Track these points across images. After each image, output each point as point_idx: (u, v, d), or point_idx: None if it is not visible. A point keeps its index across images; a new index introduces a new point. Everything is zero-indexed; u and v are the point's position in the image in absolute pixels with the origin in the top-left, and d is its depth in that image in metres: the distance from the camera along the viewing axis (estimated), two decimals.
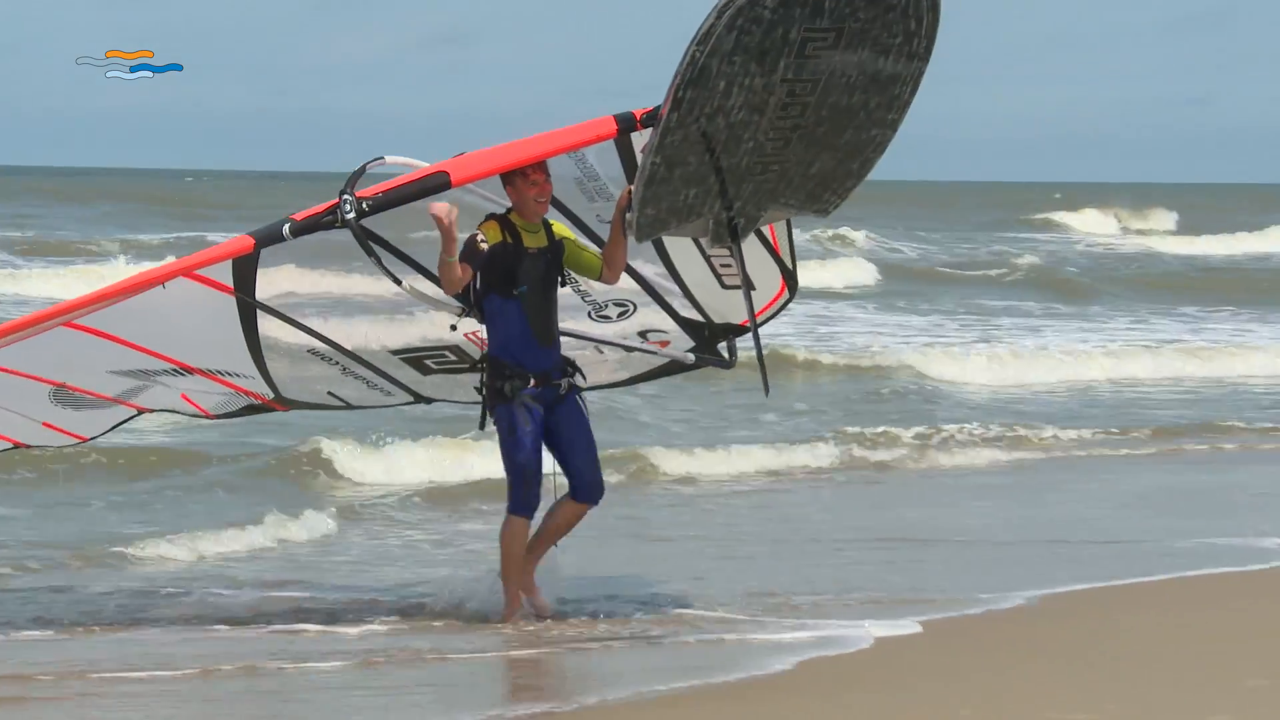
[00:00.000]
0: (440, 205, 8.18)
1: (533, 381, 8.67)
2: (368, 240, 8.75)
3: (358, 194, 8.53)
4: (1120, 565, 10.75)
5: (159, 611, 9.30)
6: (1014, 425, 18.76)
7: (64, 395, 9.87)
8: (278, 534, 11.80)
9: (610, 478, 10.74)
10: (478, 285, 8.70)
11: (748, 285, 9.20)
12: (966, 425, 18.44)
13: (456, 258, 8.28)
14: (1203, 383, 24.31)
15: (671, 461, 15.26)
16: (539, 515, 8.86)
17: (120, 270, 32.23)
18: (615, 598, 9.48)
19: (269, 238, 8.77)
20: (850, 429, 17.73)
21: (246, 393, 10.20)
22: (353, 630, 8.51)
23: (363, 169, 8.87)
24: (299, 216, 8.70)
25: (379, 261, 8.91)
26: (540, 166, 8.68)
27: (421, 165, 8.96)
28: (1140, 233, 67.86)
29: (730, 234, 8.79)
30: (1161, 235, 66.32)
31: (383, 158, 9.18)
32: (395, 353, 10.08)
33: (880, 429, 17.81)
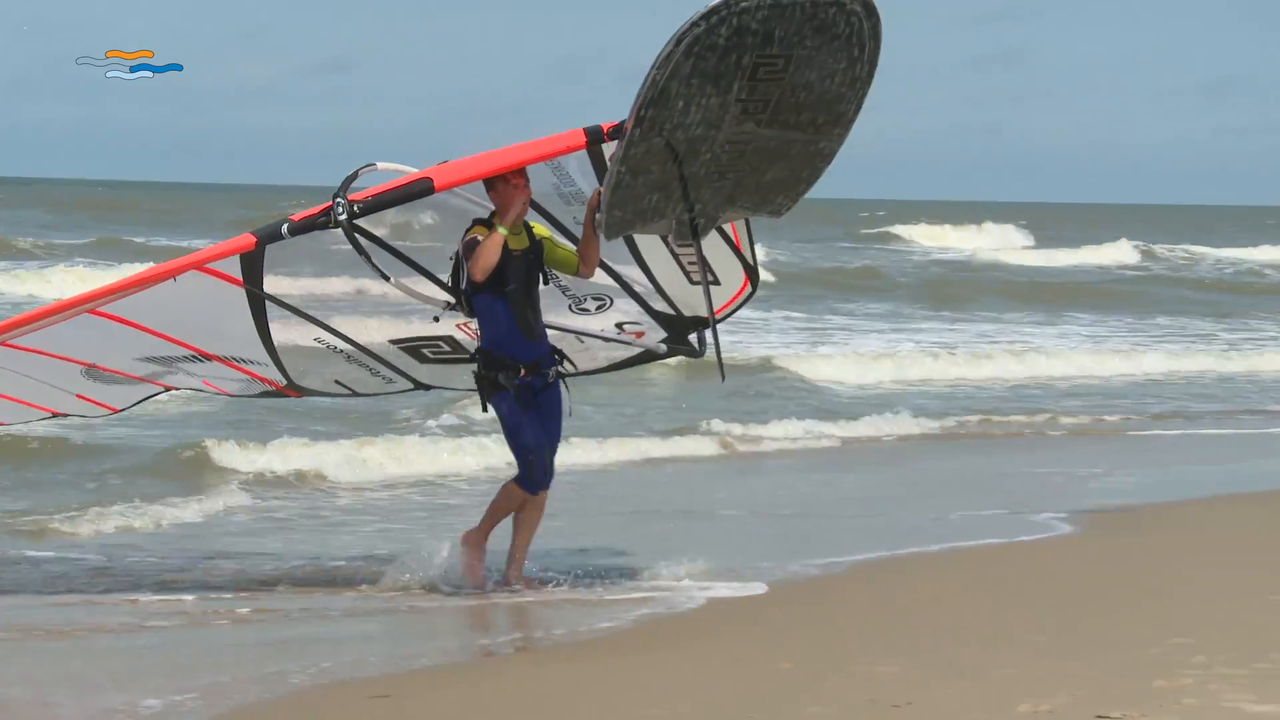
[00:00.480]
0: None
1: (523, 371, 9.67)
2: (358, 239, 9.77)
3: (349, 197, 9.46)
4: (920, 536, 12.04)
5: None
6: (844, 418, 20.50)
7: (95, 373, 10.87)
8: (158, 518, 12.94)
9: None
10: (464, 285, 9.64)
11: (706, 280, 10.19)
12: (814, 420, 20.03)
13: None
14: (1026, 380, 26.05)
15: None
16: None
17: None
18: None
19: (270, 235, 9.69)
20: (717, 422, 18.96)
21: (262, 379, 11.27)
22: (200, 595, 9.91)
23: (355, 174, 9.70)
24: (296, 217, 9.64)
25: (368, 259, 9.85)
26: (521, 173, 9.57)
27: (409, 171, 9.74)
28: (971, 246, 72.30)
29: (691, 233, 9.75)
30: (1005, 250, 70.17)
31: (374, 164, 9.89)
32: (394, 342, 11.17)
33: (748, 423, 19.25)
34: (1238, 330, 36.11)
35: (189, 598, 9.92)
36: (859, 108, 9.90)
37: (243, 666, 8.13)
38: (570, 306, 10.76)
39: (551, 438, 9.93)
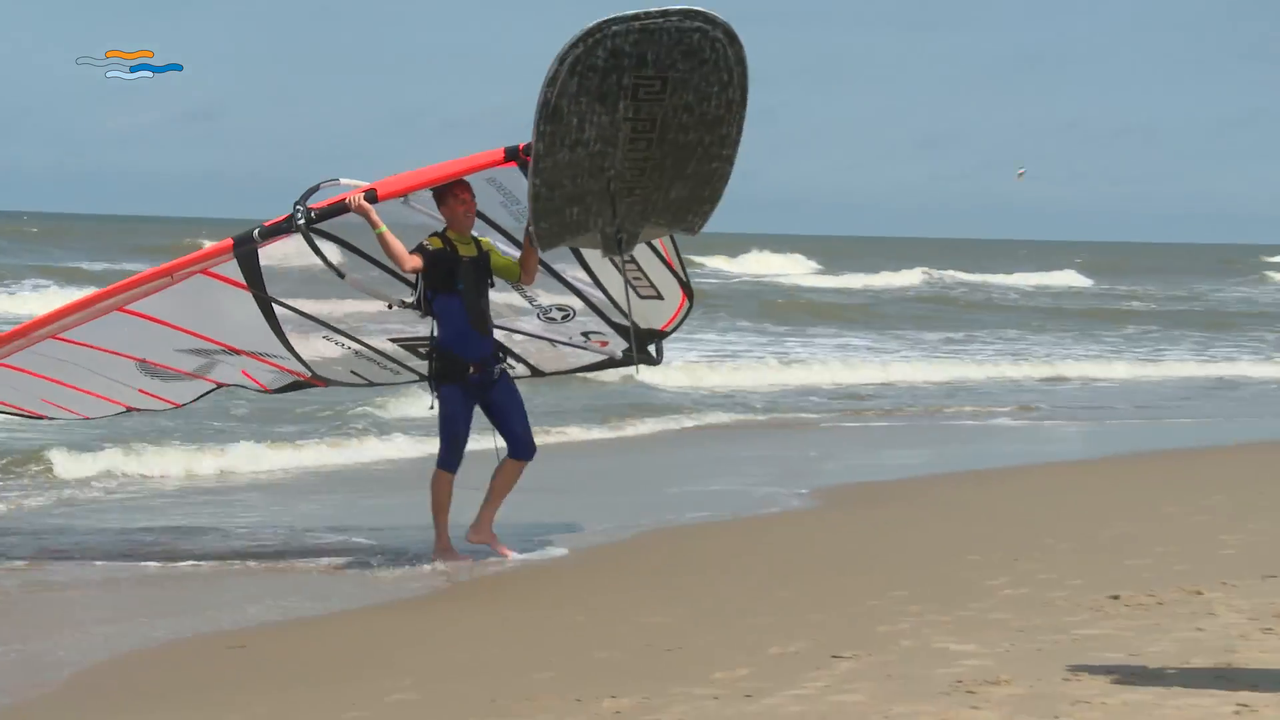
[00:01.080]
0: (351, 195, 10.15)
1: (472, 369, 10.58)
2: (315, 241, 10.58)
3: (310, 206, 10.42)
4: (696, 507, 12.90)
5: None
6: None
7: (148, 369, 11.78)
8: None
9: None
10: (428, 293, 10.46)
11: (628, 295, 11.22)
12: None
13: (385, 229, 10.12)
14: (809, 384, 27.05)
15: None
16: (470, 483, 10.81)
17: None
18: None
19: (244, 240, 10.61)
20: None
21: (289, 371, 12.14)
22: None
23: (316, 187, 10.63)
24: (267, 224, 10.51)
25: (323, 257, 10.68)
26: (466, 188, 10.55)
27: (362, 184, 10.57)
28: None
29: (616, 246, 10.57)
30: (799, 274, 72.53)
31: (337, 179, 10.74)
32: (394, 340, 12.11)
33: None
34: (980, 342, 37.60)
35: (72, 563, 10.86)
36: (739, 130, 10.56)
37: (116, 623, 9.05)
38: (537, 315, 11.83)
39: (514, 419, 10.90)
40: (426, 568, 10.64)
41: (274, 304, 11.23)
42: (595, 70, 9.90)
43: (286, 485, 15.43)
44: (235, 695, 7.14)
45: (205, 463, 16.00)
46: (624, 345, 12.29)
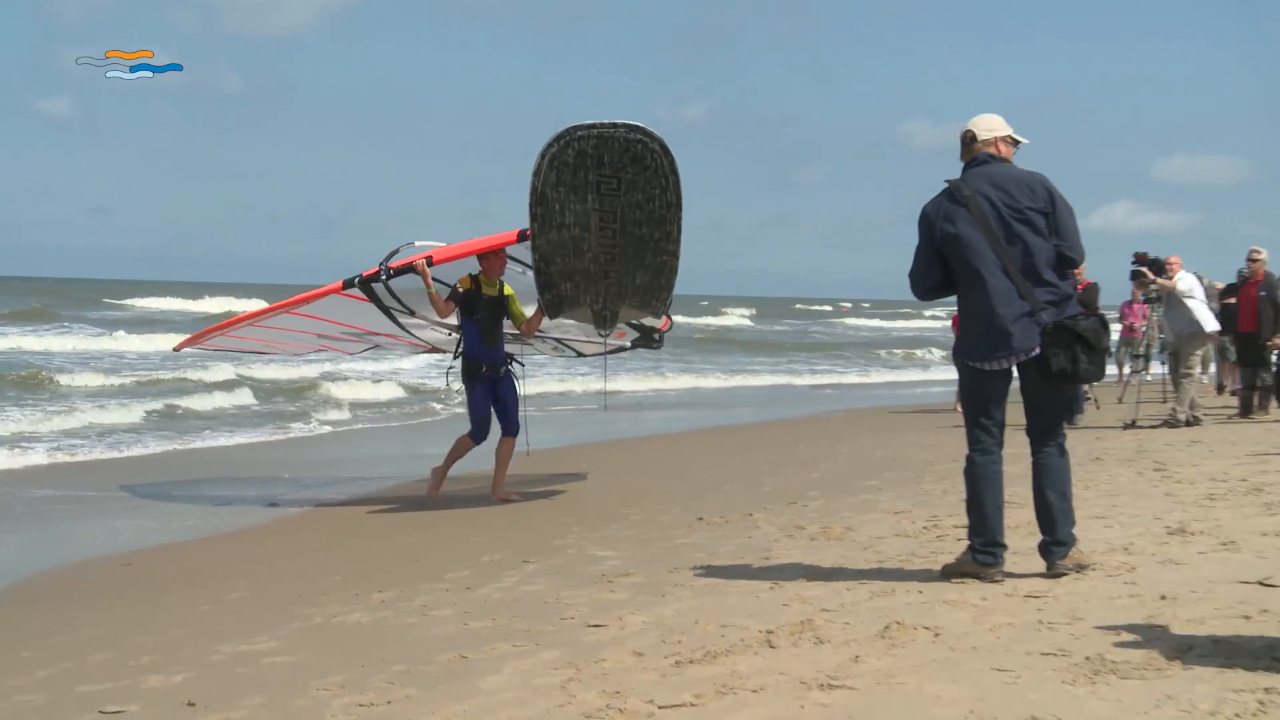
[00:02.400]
0: (419, 261, 12.96)
1: (485, 369, 13.45)
2: (376, 290, 13.65)
3: (390, 265, 13.26)
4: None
5: None
6: None
7: (324, 340, 16.76)
8: None
9: None
10: (459, 317, 13.46)
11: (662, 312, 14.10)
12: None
13: (432, 289, 12.99)
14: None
15: None
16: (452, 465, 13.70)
17: None
18: None
19: (349, 283, 13.50)
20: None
21: (417, 344, 16.75)
22: None
23: (397, 249, 13.62)
24: (365, 274, 13.34)
25: (379, 303, 14.03)
26: (499, 254, 13.49)
27: (430, 247, 13.62)
28: None
29: (602, 322, 13.01)
30: None
31: (413, 242, 13.90)
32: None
33: None
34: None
35: None
36: (679, 229, 12.29)
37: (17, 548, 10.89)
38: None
39: (509, 408, 13.67)
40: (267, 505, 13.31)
41: (389, 311, 14.36)
42: (567, 165, 11.69)
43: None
44: (123, 595, 8.80)
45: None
46: (635, 335, 15.89)
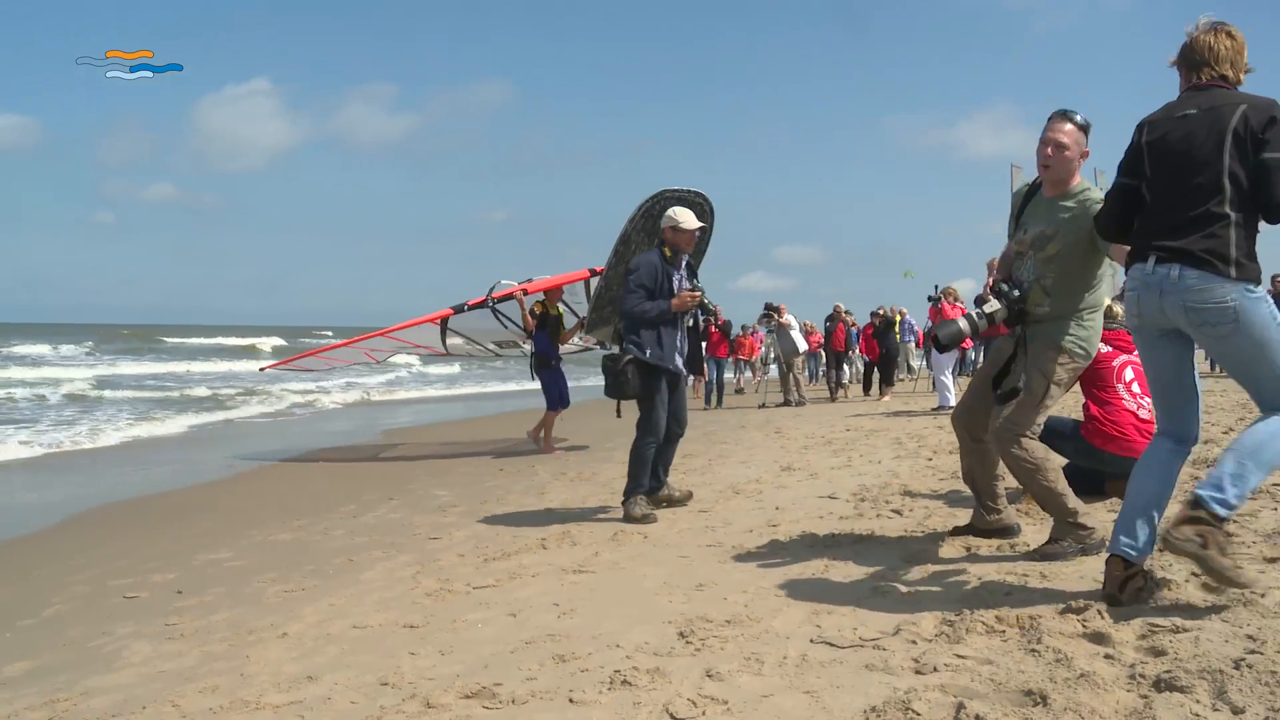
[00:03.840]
0: (518, 291, 13.15)
1: (555, 361, 13.12)
2: (496, 311, 13.52)
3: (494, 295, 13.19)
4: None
5: None
6: None
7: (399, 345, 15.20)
8: None
9: None
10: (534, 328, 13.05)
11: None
12: None
13: (526, 311, 13.08)
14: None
15: None
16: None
17: None
18: None
19: (458, 308, 13.37)
20: None
21: (432, 350, 15.17)
22: None
23: (496, 283, 13.37)
24: (470, 303, 13.29)
25: (500, 317, 13.78)
26: (560, 288, 13.45)
27: (510, 285, 13.31)
28: None
29: (619, 340, 11.24)
30: None
31: (500, 280, 13.49)
32: (495, 343, 15.23)
33: None
34: None
35: None
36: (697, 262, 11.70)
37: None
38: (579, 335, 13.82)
39: (564, 387, 13.19)
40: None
41: (446, 330, 14.08)
42: (652, 216, 10.79)
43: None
44: (135, 524, 8.33)
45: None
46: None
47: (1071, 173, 4.89)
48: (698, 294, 7.45)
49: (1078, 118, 4.87)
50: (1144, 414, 6.53)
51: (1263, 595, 3.92)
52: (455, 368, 40.75)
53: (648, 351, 7.36)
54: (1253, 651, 3.32)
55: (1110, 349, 6.76)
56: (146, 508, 9.39)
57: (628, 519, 7.23)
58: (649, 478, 7.50)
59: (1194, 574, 4.31)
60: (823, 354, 24.70)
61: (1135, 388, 6.62)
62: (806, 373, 26.63)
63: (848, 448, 11.01)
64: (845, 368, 23.94)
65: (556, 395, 13.10)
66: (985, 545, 5.43)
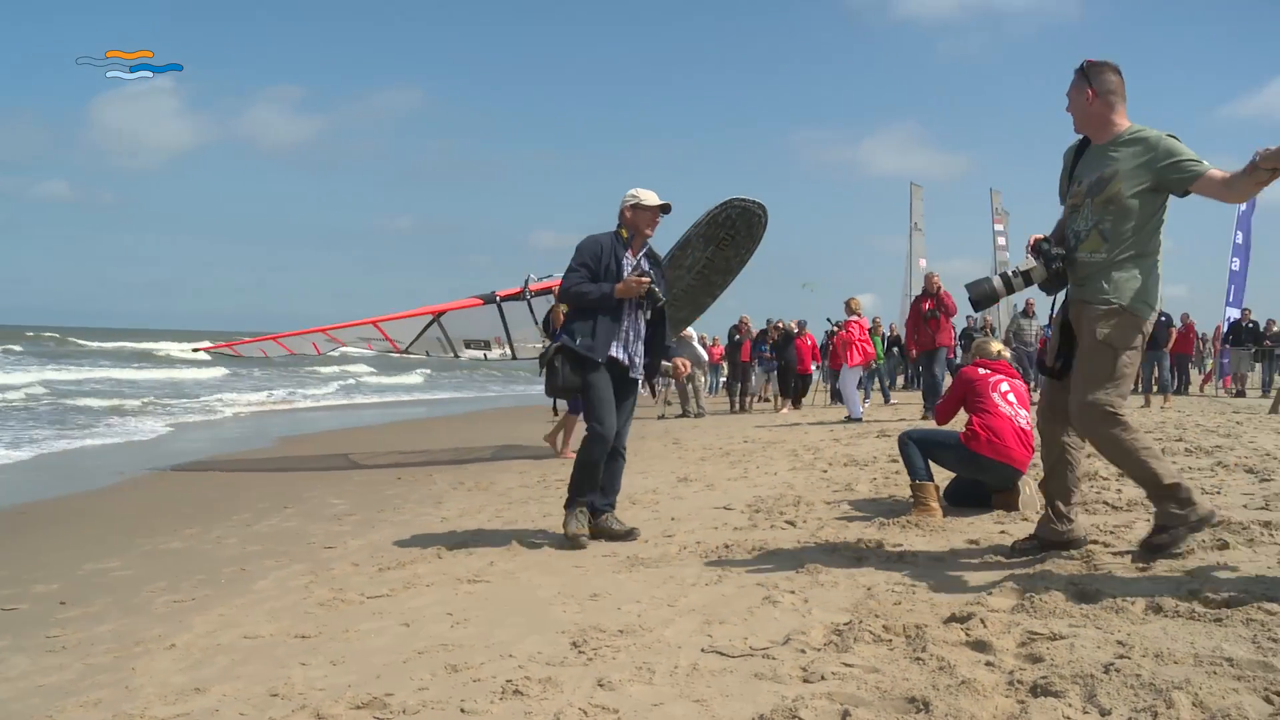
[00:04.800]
0: (554, 284, 10.95)
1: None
2: (529, 301, 12.38)
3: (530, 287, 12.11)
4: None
5: None
6: None
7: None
8: None
9: None
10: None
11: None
12: None
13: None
14: None
15: None
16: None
17: None
18: None
19: (487, 298, 12.44)
20: None
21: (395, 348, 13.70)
22: None
23: (528, 277, 12.30)
24: (502, 294, 12.41)
25: (531, 311, 12.56)
26: None
27: (549, 278, 12.09)
28: None
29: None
30: None
31: (531, 274, 12.37)
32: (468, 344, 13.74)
33: None
34: None
35: None
36: (732, 281, 11.67)
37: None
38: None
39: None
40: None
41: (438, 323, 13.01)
42: (715, 223, 10.87)
43: None
44: (18, 532, 7.87)
45: None
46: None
47: (1104, 117, 4.83)
48: (645, 280, 6.47)
49: (1079, 65, 4.85)
50: (1021, 422, 6.73)
51: (1133, 603, 4.05)
52: (409, 377, 40.93)
53: (578, 340, 6.47)
54: (1121, 656, 3.43)
55: (987, 371, 6.99)
56: (30, 516, 9.10)
57: (564, 534, 6.56)
58: (594, 489, 6.65)
59: (1072, 583, 4.44)
60: (724, 366, 24.87)
61: (1012, 398, 6.84)
62: (706, 385, 26.82)
63: (745, 459, 11.11)
64: (753, 379, 24.01)
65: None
66: (876, 555, 5.53)
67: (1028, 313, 21.11)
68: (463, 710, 3.47)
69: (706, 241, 11.27)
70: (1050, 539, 5.21)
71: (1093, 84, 4.81)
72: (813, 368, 22.46)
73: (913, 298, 33.34)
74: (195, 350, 17.24)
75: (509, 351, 13.78)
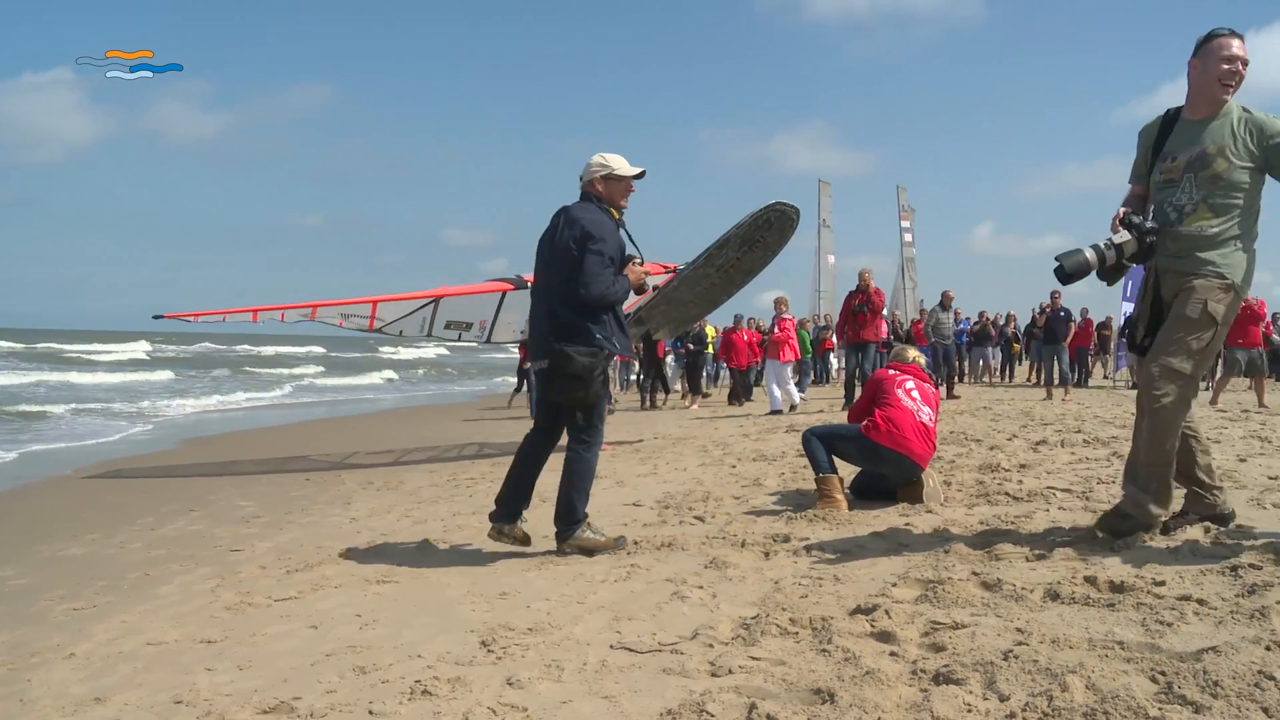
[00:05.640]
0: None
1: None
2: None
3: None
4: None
5: None
6: None
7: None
8: None
9: None
10: None
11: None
12: None
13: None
14: None
15: None
16: None
17: None
18: None
19: (518, 283, 11.45)
20: None
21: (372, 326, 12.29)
22: None
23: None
24: (529, 278, 10.30)
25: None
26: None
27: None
28: None
29: (672, 330, 12.58)
30: None
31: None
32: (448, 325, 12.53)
33: None
34: None
35: None
36: (752, 279, 11.61)
37: None
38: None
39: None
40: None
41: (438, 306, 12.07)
42: (757, 225, 10.74)
43: None
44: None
45: None
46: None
47: (1210, 92, 4.78)
48: (645, 267, 5.91)
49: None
50: (923, 418, 6.88)
51: (1032, 590, 4.15)
52: (364, 378, 40.04)
53: (616, 343, 5.78)
54: (1020, 643, 3.50)
55: (896, 372, 7.16)
56: None
57: (591, 548, 5.84)
58: (517, 501, 6.06)
59: (974, 572, 4.53)
60: (636, 363, 24.87)
61: (916, 395, 6.99)
62: (617, 381, 26.84)
63: (654, 455, 11.15)
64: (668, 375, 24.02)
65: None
66: (783, 549, 5.58)
67: (945, 306, 21.46)
68: (371, 712, 3.44)
69: (743, 242, 11.16)
70: (1205, 513, 5.18)
71: (1200, 55, 4.79)
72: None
73: (820, 291, 33.95)
74: (156, 318, 16.26)
75: (486, 334, 13.21)
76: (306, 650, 4.26)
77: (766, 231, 11.31)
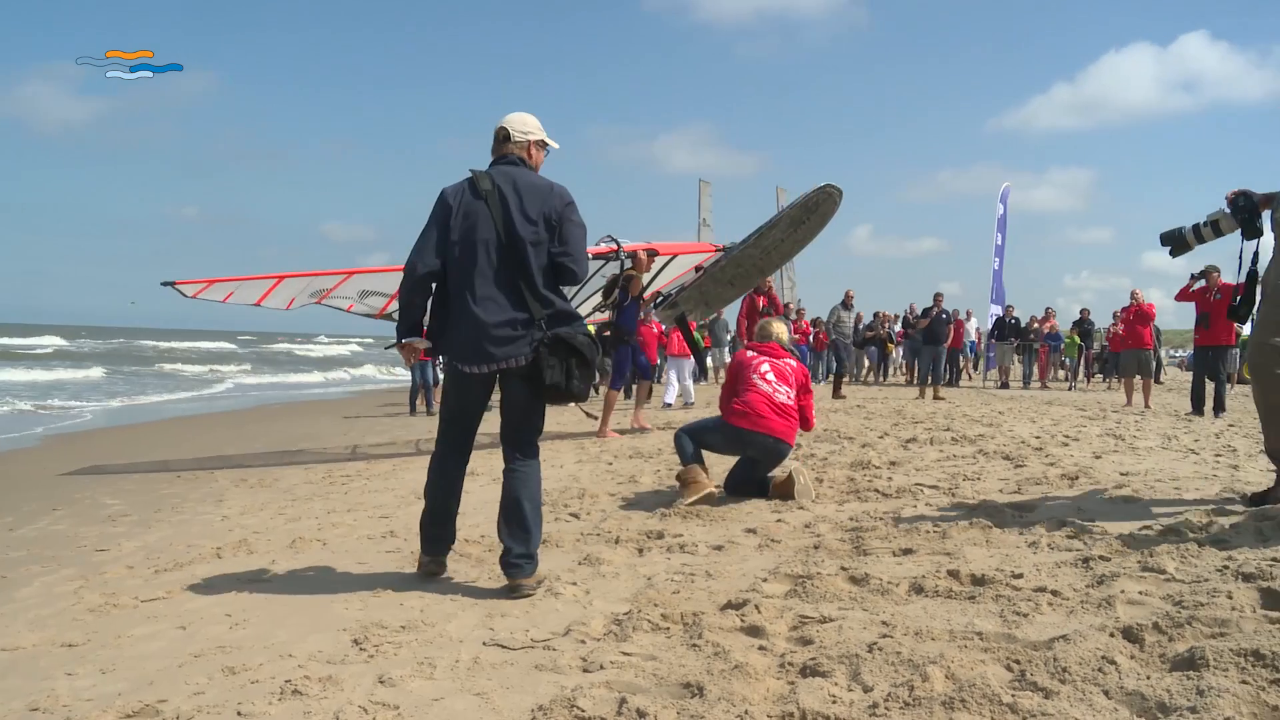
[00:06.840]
0: (644, 250, 10.88)
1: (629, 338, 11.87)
2: (621, 256, 10.98)
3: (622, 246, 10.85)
4: None
5: None
6: None
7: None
8: None
9: None
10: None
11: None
12: None
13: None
14: None
15: None
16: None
17: None
18: None
19: (614, 253, 10.99)
20: None
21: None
22: None
23: (608, 236, 10.95)
24: (592, 251, 10.54)
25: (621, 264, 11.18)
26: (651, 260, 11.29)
27: (637, 243, 11.08)
28: None
29: (701, 311, 12.21)
30: None
31: (610, 235, 11.01)
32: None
33: None
34: None
35: None
36: (786, 262, 11.76)
37: None
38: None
39: (622, 368, 12.45)
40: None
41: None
42: (807, 208, 10.59)
43: None
44: None
45: None
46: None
47: None
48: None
49: None
50: (780, 398, 7.12)
51: (897, 585, 4.26)
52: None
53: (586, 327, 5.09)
54: (885, 636, 3.60)
55: (754, 354, 7.37)
56: None
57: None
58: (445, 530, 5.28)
59: (843, 568, 4.64)
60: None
61: (771, 376, 7.22)
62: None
63: None
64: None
65: (619, 374, 12.58)
66: (657, 545, 5.63)
67: (846, 304, 21.87)
68: (240, 713, 3.38)
69: (791, 224, 11.12)
70: None
71: None
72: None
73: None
74: (163, 284, 14.84)
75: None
76: (174, 651, 4.17)
77: (812, 214, 11.26)
